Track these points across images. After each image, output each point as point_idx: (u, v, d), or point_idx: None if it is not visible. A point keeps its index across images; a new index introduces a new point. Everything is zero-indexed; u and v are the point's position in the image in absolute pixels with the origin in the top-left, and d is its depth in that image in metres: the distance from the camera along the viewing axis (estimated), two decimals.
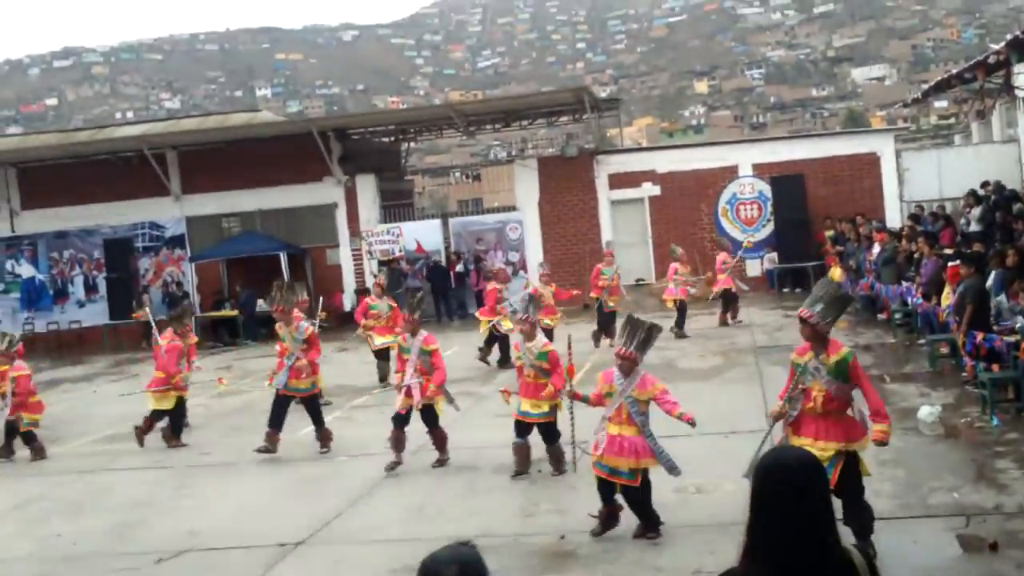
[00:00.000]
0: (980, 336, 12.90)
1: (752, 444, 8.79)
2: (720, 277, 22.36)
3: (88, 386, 22.83)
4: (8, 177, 31.81)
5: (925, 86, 36.46)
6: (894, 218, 27.28)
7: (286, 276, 27.83)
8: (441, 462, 12.28)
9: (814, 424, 8.10)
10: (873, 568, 3.62)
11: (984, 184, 23.25)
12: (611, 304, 20.76)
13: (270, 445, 13.39)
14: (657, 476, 10.14)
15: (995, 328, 13.04)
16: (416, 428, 13.75)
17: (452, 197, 47.70)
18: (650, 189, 29.38)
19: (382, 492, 11.50)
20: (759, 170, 28.88)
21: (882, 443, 8.24)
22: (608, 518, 9.14)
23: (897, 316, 19.19)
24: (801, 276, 27.40)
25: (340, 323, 27.27)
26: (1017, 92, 24.16)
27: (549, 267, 21.71)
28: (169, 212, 31.05)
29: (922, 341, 16.90)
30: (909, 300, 18.44)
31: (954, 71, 29.03)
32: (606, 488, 9.08)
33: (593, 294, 21.21)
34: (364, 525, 10.28)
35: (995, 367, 12.65)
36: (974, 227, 20.98)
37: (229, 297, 29.81)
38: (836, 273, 24.66)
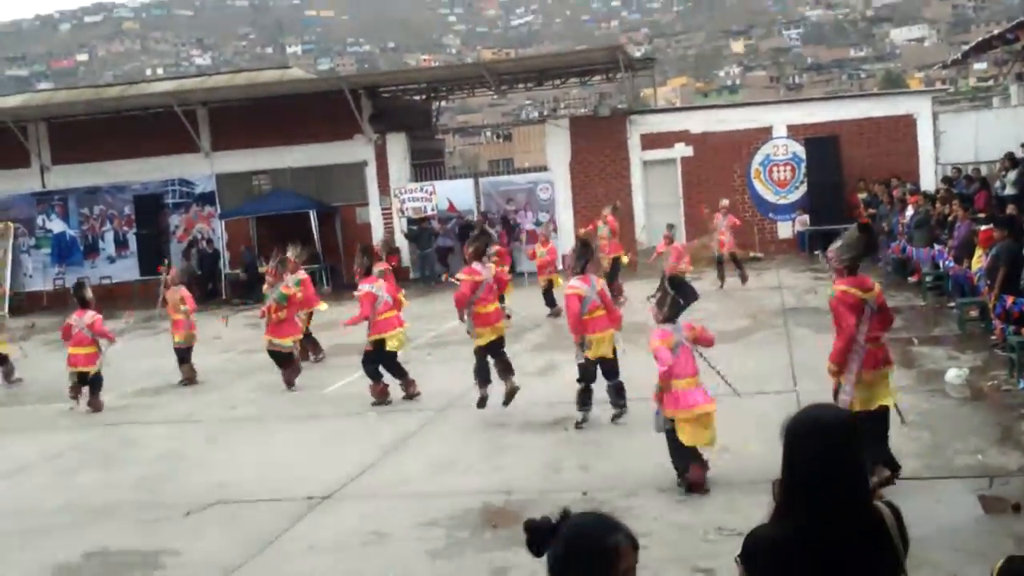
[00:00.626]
0: (1011, 300, 12.79)
1: (779, 405, 8.80)
2: (723, 239, 22.34)
3: (118, 341, 23.05)
4: (39, 132, 32.00)
5: (965, 47, 35.86)
6: (929, 181, 26.98)
7: (316, 234, 28.03)
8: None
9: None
10: (901, 522, 3.62)
11: (1023, 146, 22.92)
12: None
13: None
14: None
15: None
16: (437, 388, 13.88)
17: (483, 156, 47.65)
18: (683, 150, 29.18)
19: (409, 448, 11.60)
20: (793, 131, 28.60)
21: (835, 390, 8.42)
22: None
23: (928, 279, 19.03)
24: (832, 238, 27.12)
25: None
26: None
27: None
28: (199, 169, 31.18)
29: (952, 304, 16.78)
30: (941, 263, 18.29)
31: (995, 32, 28.58)
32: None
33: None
34: (391, 479, 10.38)
35: None
36: (1009, 190, 20.73)
37: (260, 254, 29.96)
38: None
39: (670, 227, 22.26)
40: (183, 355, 16.67)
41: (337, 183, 30.46)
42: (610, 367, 11.48)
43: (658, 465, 9.71)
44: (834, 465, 3.41)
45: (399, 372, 13.81)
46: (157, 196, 31.35)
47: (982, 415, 10.87)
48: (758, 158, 28.80)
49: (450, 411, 13.03)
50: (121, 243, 31.76)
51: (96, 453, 12.64)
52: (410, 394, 13.72)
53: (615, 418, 11.45)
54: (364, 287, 13.82)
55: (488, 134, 47.77)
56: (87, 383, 15.09)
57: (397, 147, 30.37)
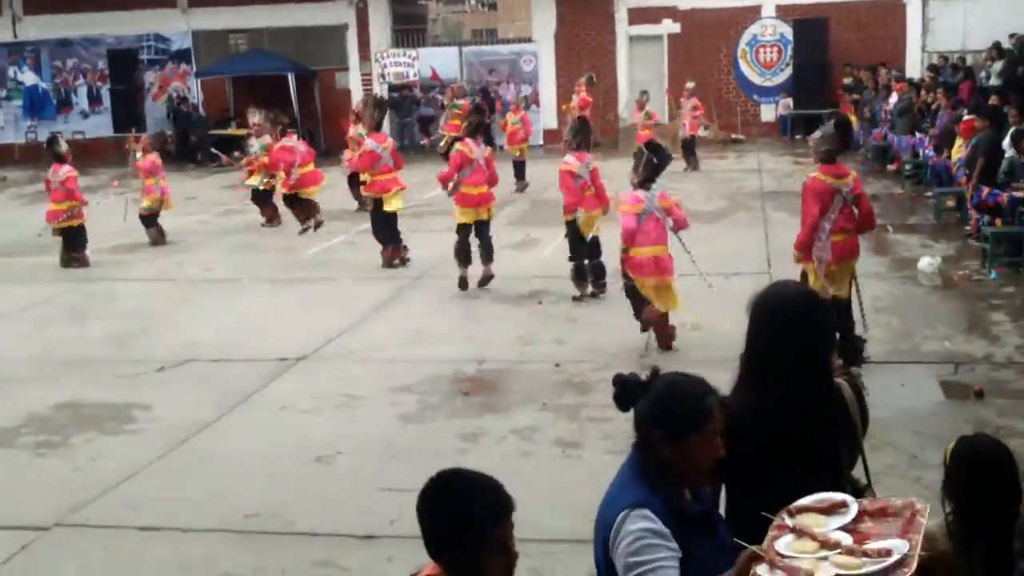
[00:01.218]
0: (986, 191, 12.83)
1: (752, 286, 8.84)
2: (685, 122, 22.28)
3: (92, 198, 22.81)
4: None
5: None
6: (915, 68, 26.72)
7: (293, 98, 27.60)
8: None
9: None
10: (861, 399, 3.67)
11: (1011, 36, 22.66)
12: None
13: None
14: None
15: (1008, 184, 12.94)
16: (413, 257, 13.87)
17: (466, 25, 46.74)
18: (670, 26, 28.64)
19: (383, 315, 11.64)
20: (783, 12, 28.12)
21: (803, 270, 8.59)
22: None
23: (907, 167, 19.02)
24: (815, 123, 27.02)
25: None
26: None
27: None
28: (175, 25, 30.38)
29: (929, 193, 16.81)
30: (920, 152, 18.26)
31: None
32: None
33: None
34: (364, 345, 10.44)
35: (998, 222, 12.63)
36: (994, 81, 20.56)
37: (235, 116, 29.54)
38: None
39: (643, 93, 22.12)
40: (148, 221, 16.49)
41: (316, 46, 29.82)
42: (594, 245, 11.50)
43: (630, 339, 9.82)
44: (795, 340, 3.44)
45: (394, 236, 13.79)
46: (132, 51, 30.60)
47: (952, 303, 11.00)
48: (745, 38, 28.36)
49: (425, 280, 13.05)
50: (95, 98, 31.12)
51: (70, 308, 12.62)
52: (401, 259, 13.73)
53: (592, 295, 11.51)
54: (369, 144, 13.68)
55: (472, 2, 46.77)
56: (68, 238, 14.91)
57: (379, 11, 29.68)
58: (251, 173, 17.58)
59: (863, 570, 2.76)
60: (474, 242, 12.30)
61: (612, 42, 28.84)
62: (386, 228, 13.72)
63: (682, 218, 9.73)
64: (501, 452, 7.54)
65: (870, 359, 8.71)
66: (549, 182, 18.32)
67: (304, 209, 16.28)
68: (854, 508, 3.03)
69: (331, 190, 17.11)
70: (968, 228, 13.86)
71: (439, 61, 29.28)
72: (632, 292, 9.60)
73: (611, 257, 11.30)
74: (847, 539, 2.91)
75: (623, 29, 28.76)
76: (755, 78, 28.30)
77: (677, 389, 3.10)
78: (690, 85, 23.29)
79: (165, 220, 16.64)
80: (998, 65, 21.14)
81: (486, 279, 12.28)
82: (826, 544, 2.89)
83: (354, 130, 17.32)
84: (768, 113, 28.43)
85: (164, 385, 9.38)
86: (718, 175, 21.44)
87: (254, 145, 17.48)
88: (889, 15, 27.64)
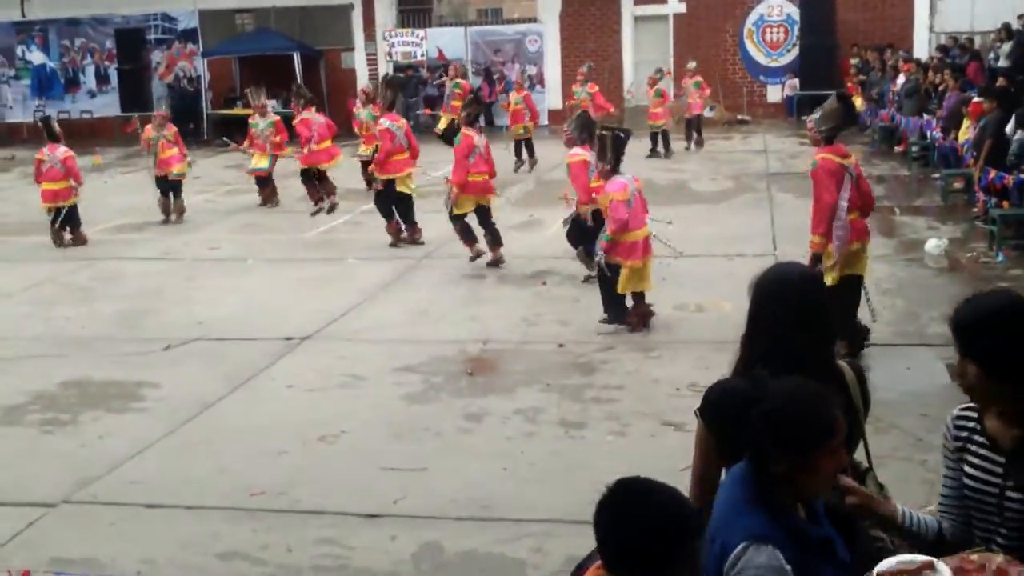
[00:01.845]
0: (993, 173, 12.78)
1: (757, 267, 8.84)
2: (691, 101, 22.27)
3: (99, 176, 22.86)
4: None
5: None
6: (923, 49, 26.58)
7: (299, 78, 27.51)
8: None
9: None
10: (863, 382, 3.67)
11: (1021, 17, 22.54)
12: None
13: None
14: (659, 295, 10.31)
15: (1017, 167, 12.90)
16: (427, 236, 13.88)
17: (471, 5, 46.52)
18: (675, 6, 28.53)
19: (388, 295, 11.65)
20: None
21: (816, 254, 8.37)
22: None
23: (914, 149, 18.95)
24: (821, 104, 27.02)
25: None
26: None
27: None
28: (182, 4, 30.30)
29: (936, 175, 16.75)
30: (928, 133, 18.19)
31: None
32: None
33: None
34: (369, 325, 10.45)
35: (1006, 204, 12.58)
36: (1003, 62, 20.48)
37: (241, 96, 29.50)
38: (856, 102, 24.28)
39: (657, 71, 22.12)
40: (179, 188, 16.61)
41: (322, 25, 29.75)
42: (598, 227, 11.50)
43: None
44: (797, 321, 3.43)
45: (409, 217, 13.81)
46: (139, 31, 30.59)
47: (959, 286, 10.96)
48: (751, 18, 28.24)
49: (429, 261, 13.07)
50: (102, 78, 31.10)
51: (75, 287, 12.65)
52: (414, 240, 13.74)
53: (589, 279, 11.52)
54: (384, 123, 13.67)
55: None
56: (64, 218, 14.96)
57: None
58: (258, 152, 17.56)
59: None
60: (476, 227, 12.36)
61: (617, 23, 28.74)
62: (398, 207, 13.71)
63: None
64: (504, 432, 7.56)
65: (871, 343, 8.69)
66: (553, 163, 18.34)
67: (319, 189, 16.33)
68: (945, 570, 2.80)
69: (335, 170, 17.08)
70: (975, 210, 13.82)
71: (445, 41, 29.19)
72: (610, 284, 9.59)
73: None
74: None
75: (628, 10, 28.66)
76: (761, 59, 28.20)
77: (799, 399, 2.86)
78: (692, 65, 23.25)
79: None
80: (1007, 46, 21.05)
81: (496, 263, 12.30)
82: None
83: (364, 112, 17.23)
84: (774, 94, 28.33)
85: (171, 364, 9.41)
86: (723, 156, 21.39)
87: (259, 123, 17.46)
88: None
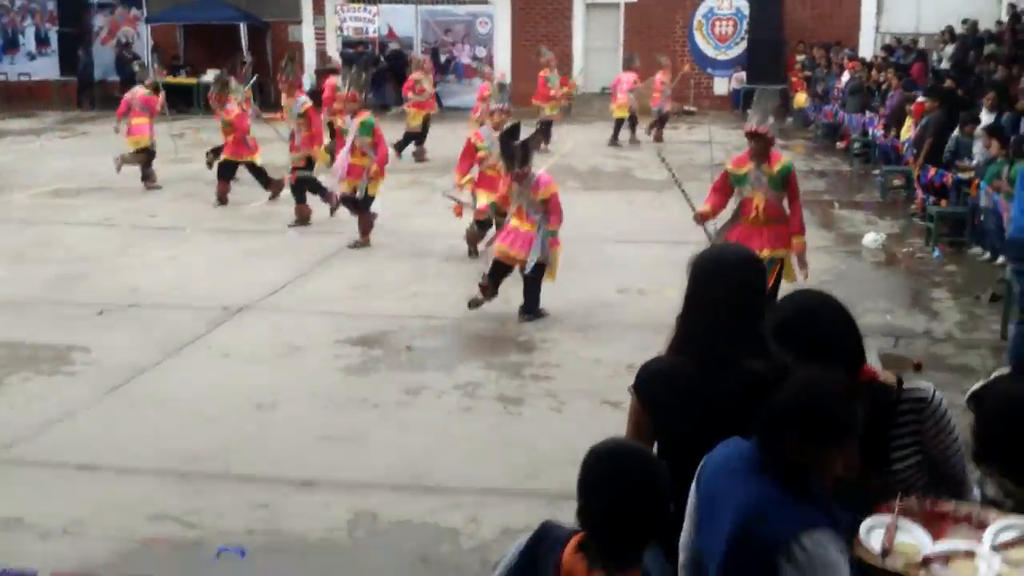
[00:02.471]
0: (933, 171, 12.98)
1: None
2: (655, 95, 22.31)
3: (35, 140, 22.44)
4: None
5: None
6: (868, 49, 26.94)
7: (245, 49, 27.17)
8: (359, 245, 12.35)
9: (758, 235, 8.31)
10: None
11: (964, 21, 22.92)
12: (549, 112, 20.85)
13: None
14: (602, 279, 10.34)
15: (953, 165, 13.12)
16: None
17: None
18: None
19: (329, 268, 11.56)
20: None
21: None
22: (483, 291, 9.47)
23: (856, 146, 19.20)
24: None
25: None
26: None
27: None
28: None
29: (877, 172, 16.99)
30: (870, 130, 18.43)
31: None
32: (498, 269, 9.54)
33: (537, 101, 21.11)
34: (309, 296, 10.36)
35: (944, 202, 12.80)
36: (945, 64, 20.79)
37: (185, 64, 29.07)
38: (801, 98, 24.57)
39: (631, 57, 22.25)
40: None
41: None
42: None
43: (573, 302, 9.87)
44: (732, 302, 3.40)
45: (319, 188, 13.65)
46: None
47: (895, 279, 11.15)
48: (701, 10, 28.39)
49: (374, 236, 12.95)
50: (42, 40, 30.42)
51: (10, 249, 12.37)
52: (333, 205, 13.48)
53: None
54: (304, 100, 13.52)
55: None
56: None
57: None
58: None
59: None
60: None
61: (568, 8, 28.75)
62: (309, 183, 13.57)
63: None
64: (443, 407, 7.54)
65: None
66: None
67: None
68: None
69: (280, 143, 16.86)
70: (913, 207, 14.03)
71: (396, 18, 28.96)
72: (538, 280, 9.54)
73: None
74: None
75: None
76: (709, 51, 28.39)
77: (820, 389, 2.78)
78: (662, 59, 23.20)
79: (106, 169, 16.34)
80: (949, 48, 21.38)
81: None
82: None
83: (292, 103, 13.75)
84: (721, 86, 28.53)
85: (104, 329, 9.24)
86: (670, 146, 21.44)
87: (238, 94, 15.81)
88: None
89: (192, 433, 6.94)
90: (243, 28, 27.76)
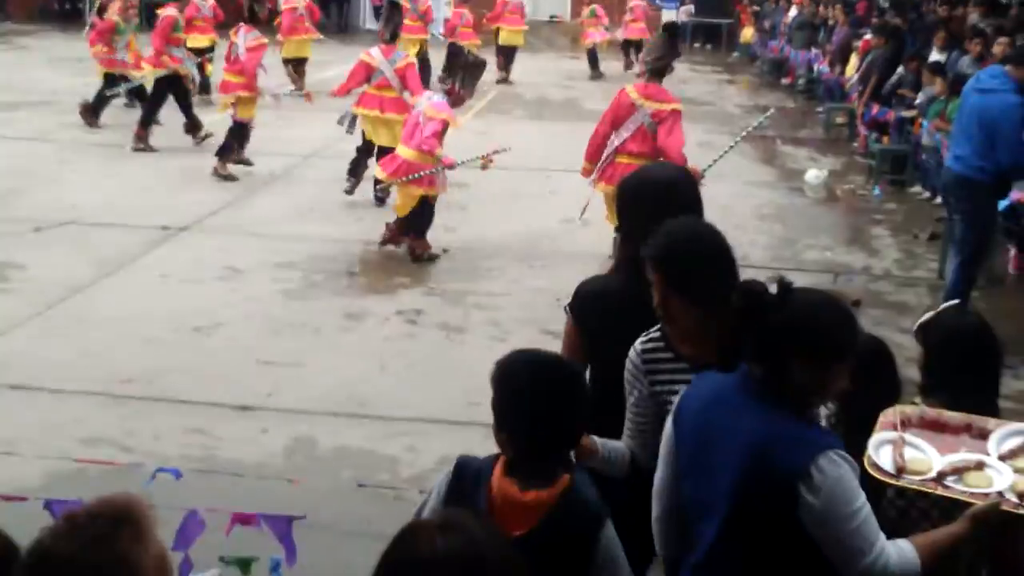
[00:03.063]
0: (876, 108, 13.07)
1: None
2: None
3: None
4: None
5: None
6: None
7: None
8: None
9: None
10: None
11: None
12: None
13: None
14: (547, 209, 10.33)
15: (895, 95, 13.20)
16: (302, 135, 13.57)
17: None
18: None
19: (270, 191, 11.41)
20: None
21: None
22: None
23: (801, 82, 19.28)
24: (714, 32, 27.33)
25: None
26: None
27: None
28: None
29: (820, 109, 17.08)
30: (815, 67, 18.47)
31: None
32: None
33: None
34: (250, 219, 10.23)
35: (886, 139, 12.90)
36: (883, 2, 20.82)
37: None
38: (748, 33, 24.55)
39: None
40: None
41: None
42: None
43: (519, 232, 9.87)
44: (657, 218, 3.39)
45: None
46: None
47: (835, 216, 11.27)
48: None
49: (315, 159, 12.81)
50: None
51: None
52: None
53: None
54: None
55: None
56: None
57: None
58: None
59: None
60: None
61: None
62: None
63: None
64: (384, 333, 7.53)
65: (747, 264, 8.85)
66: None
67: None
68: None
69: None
70: (856, 144, 14.16)
71: None
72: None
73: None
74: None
75: None
76: None
77: (826, 311, 2.69)
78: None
79: (46, 82, 15.91)
80: None
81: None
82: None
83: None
84: (669, 19, 28.31)
85: (40, 246, 9.06)
86: (615, 78, 21.35)
87: None
88: None
89: (128, 354, 6.86)
90: None
